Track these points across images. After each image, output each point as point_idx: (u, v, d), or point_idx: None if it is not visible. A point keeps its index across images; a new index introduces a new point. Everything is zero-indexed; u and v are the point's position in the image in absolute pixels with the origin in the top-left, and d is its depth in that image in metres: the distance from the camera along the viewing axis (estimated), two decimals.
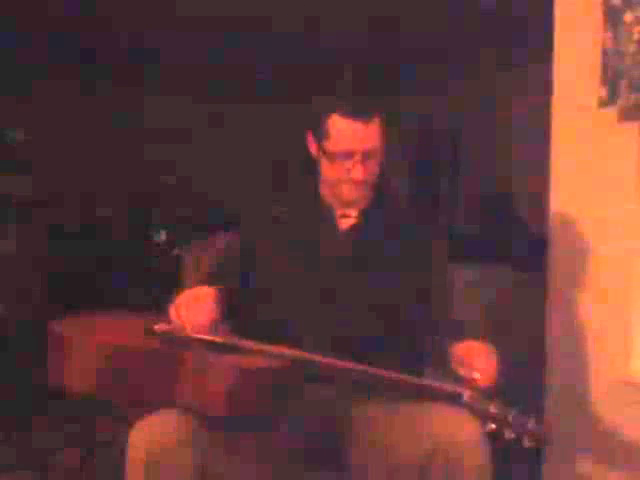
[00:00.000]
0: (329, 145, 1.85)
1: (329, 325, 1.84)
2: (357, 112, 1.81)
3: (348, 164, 1.84)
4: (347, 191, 1.89)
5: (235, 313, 1.84)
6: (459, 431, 1.62)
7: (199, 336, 1.71)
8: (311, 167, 1.94)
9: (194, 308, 1.73)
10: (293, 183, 2.03)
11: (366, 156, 1.83)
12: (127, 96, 6.06)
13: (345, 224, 1.95)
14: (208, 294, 1.77)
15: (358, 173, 1.84)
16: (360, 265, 1.91)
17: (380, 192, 1.97)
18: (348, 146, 1.83)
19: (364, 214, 1.94)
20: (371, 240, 1.93)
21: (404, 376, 1.69)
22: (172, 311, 1.75)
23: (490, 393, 1.67)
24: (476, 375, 1.68)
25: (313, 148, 1.92)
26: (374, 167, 1.88)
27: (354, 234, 1.94)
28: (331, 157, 1.86)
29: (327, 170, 1.89)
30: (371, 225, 1.94)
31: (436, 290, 1.94)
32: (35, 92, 5.56)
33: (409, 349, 1.91)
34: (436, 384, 1.70)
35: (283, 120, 2.26)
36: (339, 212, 1.94)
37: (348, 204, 1.93)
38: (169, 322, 1.74)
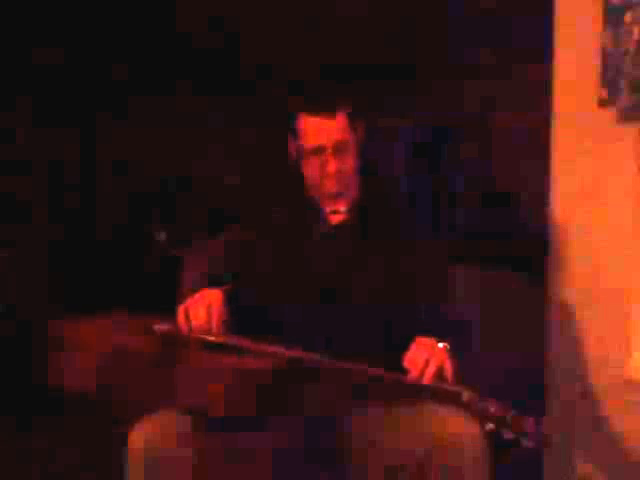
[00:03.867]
0: (301, 143, 1.91)
1: (326, 323, 1.84)
2: (320, 107, 1.88)
3: (322, 159, 1.89)
4: (327, 185, 1.93)
5: (234, 313, 1.84)
6: (458, 431, 1.62)
7: (199, 336, 1.71)
8: (298, 168, 1.99)
9: (203, 311, 1.74)
10: (285, 184, 2.06)
11: (337, 149, 1.89)
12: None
13: (335, 219, 1.97)
14: (217, 296, 1.78)
15: (332, 166, 1.89)
16: (352, 260, 1.91)
17: (371, 188, 2.00)
18: (317, 141, 1.88)
19: (353, 209, 1.97)
20: (362, 234, 1.94)
21: (403, 376, 1.69)
22: (181, 313, 1.75)
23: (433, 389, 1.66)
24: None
25: (292, 149, 1.97)
26: (349, 160, 1.92)
27: (344, 229, 1.96)
28: (305, 154, 1.92)
29: (306, 168, 1.94)
30: (361, 220, 1.96)
31: (434, 288, 1.94)
32: None
33: (401, 345, 1.91)
34: (435, 384, 1.70)
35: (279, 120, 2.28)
36: (328, 209, 1.97)
37: (334, 199, 1.96)
38: (172, 323, 1.75)
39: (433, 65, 2.57)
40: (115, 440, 1.77)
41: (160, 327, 1.73)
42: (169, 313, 1.79)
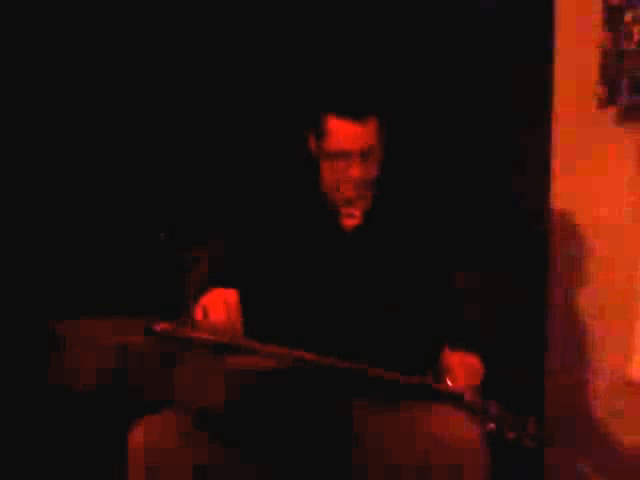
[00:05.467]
0: (327, 145, 1.88)
1: (338, 326, 1.84)
2: (353, 112, 1.85)
3: (346, 163, 1.86)
4: (347, 190, 1.90)
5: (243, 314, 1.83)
6: (459, 431, 1.62)
7: (199, 336, 1.71)
8: (314, 167, 1.96)
9: (222, 308, 1.73)
10: (297, 183, 2.04)
11: (363, 155, 1.86)
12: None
13: (349, 223, 1.96)
14: (232, 295, 1.77)
15: (356, 172, 1.86)
16: (365, 265, 1.91)
17: (386, 192, 1.99)
18: (345, 145, 1.85)
19: (368, 214, 1.95)
20: (375, 239, 1.94)
21: (404, 376, 1.70)
22: (198, 312, 1.74)
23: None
24: (460, 393, 1.71)
25: (313, 148, 1.94)
26: (372, 166, 1.90)
27: (358, 233, 1.95)
28: (329, 157, 1.88)
29: (327, 170, 1.91)
30: (375, 225, 1.95)
31: (442, 293, 1.94)
32: None
33: (413, 350, 1.91)
34: (437, 384, 1.70)
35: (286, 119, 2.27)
36: (343, 211, 1.95)
37: (350, 203, 1.94)
38: (172, 323, 1.74)
39: (433, 66, 2.57)
40: (115, 440, 1.76)
41: (160, 327, 1.73)
42: (169, 313, 1.79)
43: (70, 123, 2.62)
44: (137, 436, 1.66)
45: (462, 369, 1.72)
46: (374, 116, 1.86)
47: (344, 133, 1.85)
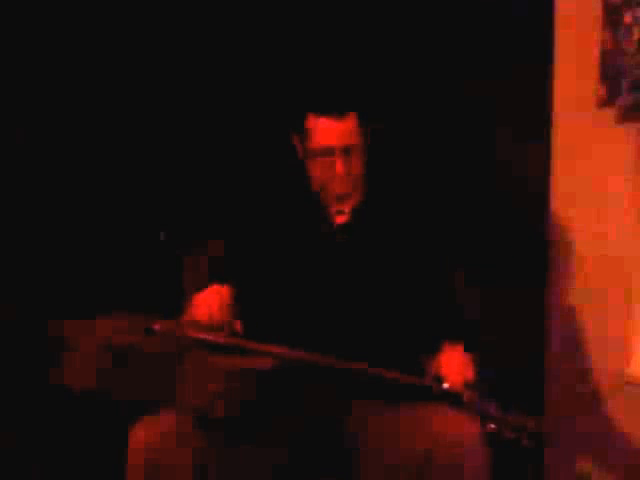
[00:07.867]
0: (310, 144, 1.91)
1: (329, 324, 1.84)
2: (331, 109, 1.87)
3: (330, 160, 1.89)
4: (334, 187, 1.92)
5: (238, 313, 1.84)
6: (458, 431, 1.63)
7: (199, 336, 1.71)
8: (303, 167, 1.98)
9: (215, 307, 1.74)
10: (290, 184, 2.06)
11: (346, 151, 1.88)
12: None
13: (340, 220, 1.97)
14: (226, 293, 1.78)
15: (340, 168, 1.89)
16: (355, 260, 1.92)
17: (377, 189, 2.00)
18: (326, 142, 1.88)
19: (358, 210, 1.97)
20: (365, 235, 1.94)
21: (403, 376, 1.70)
22: (192, 309, 1.75)
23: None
24: (445, 386, 1.71)
25: (298, 149, 1.96)
26: (356, 163, 1.92)
27: (348, 230, 1.95)
28: (313, 155, 1.91)
29: (313, 169, 1.94)
30: (366, 221, 1.96)
31: (434, 290, 1.94)
32: None
33: (409, 349, 1.91)
34: (435, 386, 1.70)
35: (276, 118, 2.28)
36: (334, 209, 1.96)
37: (340, 200, 1.95)
38: (172, 323, 1.75)
39: (433, 65, 2.57)
40: (115, 440, 1.76)
41: (160, 326, 1.73)
42: (169, 313, 1.79)
43: (70, 123, 2.62)
44: (137, 436, 1.67)
45: (453, 370, 1.73)
46: (353, 113, 1.89)
47: (324, 130, 1.88)
